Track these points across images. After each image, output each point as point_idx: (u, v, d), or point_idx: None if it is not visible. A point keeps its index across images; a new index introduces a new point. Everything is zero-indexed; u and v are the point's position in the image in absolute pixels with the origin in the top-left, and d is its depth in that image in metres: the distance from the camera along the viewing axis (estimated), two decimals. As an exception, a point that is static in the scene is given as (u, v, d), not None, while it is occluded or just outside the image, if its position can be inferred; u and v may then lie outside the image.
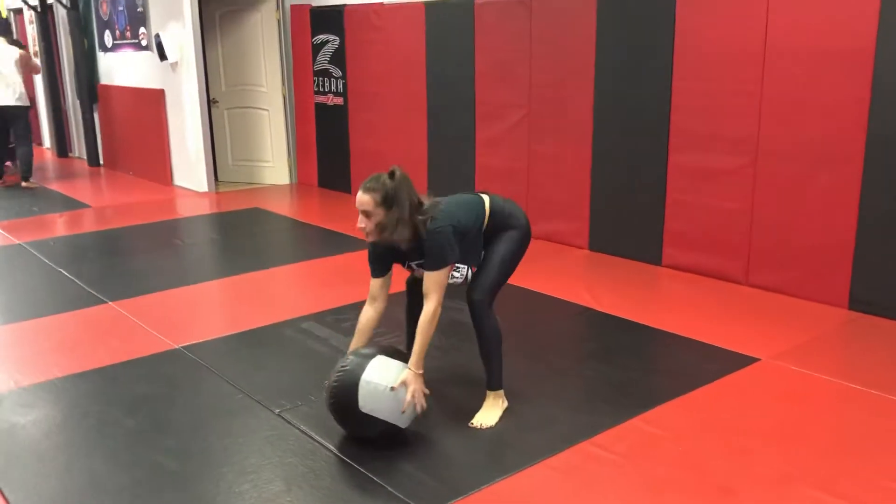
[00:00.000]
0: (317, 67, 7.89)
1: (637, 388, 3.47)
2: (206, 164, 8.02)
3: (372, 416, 2.88)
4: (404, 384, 2.89)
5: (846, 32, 4.14)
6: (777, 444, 2.94)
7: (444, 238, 2.92)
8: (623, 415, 3.18)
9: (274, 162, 8.57)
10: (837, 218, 4.32)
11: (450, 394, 3.41)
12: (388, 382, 2.87)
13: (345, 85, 7.62)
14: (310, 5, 7.83)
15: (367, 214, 2.90)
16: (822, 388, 3.42)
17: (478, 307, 3.10)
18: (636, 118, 5.22)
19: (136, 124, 8.99)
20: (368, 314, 3.17)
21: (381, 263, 3.12)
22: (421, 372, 2.93)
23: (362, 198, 2.88)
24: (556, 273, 5.15)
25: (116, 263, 5.62)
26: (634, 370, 3.68)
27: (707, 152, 4.86)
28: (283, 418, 3.22)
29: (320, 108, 7.98)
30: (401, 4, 6.83)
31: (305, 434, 3.08)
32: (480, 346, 3.16)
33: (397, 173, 2.90)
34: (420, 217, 2.92)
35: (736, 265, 4.83)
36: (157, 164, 8.63)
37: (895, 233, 4.13)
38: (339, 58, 7.61)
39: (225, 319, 4.46)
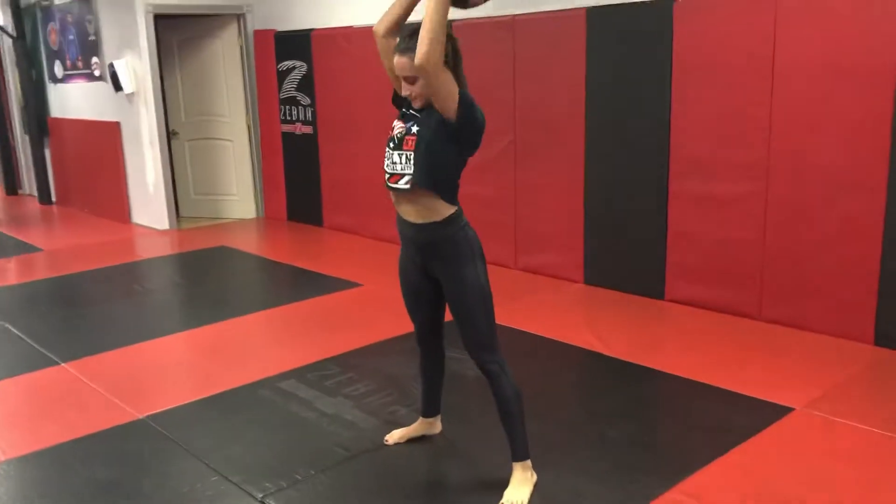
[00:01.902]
0: (283, 95, 7.47)
1: (668, 451, 3.09)
2: (167, 200, 7.52)
3: None
4: None
5: (863, 47, 3.85)
6: (840, 517, 2.58)
7: (471, 98, 2.56)
8: (658, 485, 2.79)
9: (239, 195, 8.10)
10: (860, 247, 4.01)
11: (471, 462, 3.01)
12: None
13: (314, 113, 7.20)
14: (274, 30, 7.42)
15: (409, 79, 2.56)
16: (870, 443, 3.07)
17: (487, 366, 2.70)
18: (633, 143, 4.88)
19: (90, 159, 8.46)
20: None
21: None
22: None
23: (401, 60, 2.56)
24: (554, 311, 4.77)
25: (71, 316, 5.11)
26: (661, 428, 3.31)
27: (712, 178, 4.54)
28: (267, 505, 2.78)
29: (288, 137, 7.55)
30: (371, 27, 6.44)
31: (295, 526, 2.64)
32: (501, 410, 2.75)
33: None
34: (463, 80, 2.56)
35: (748, 298, 4.50)
36: (113, 200, 8.11)
37: (924, 262, 3.83)
38: (306, 84, 7.20)
39: (193, 381, 3.99)
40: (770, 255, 4.37)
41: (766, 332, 4.30)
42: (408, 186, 2.62)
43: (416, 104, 2.63)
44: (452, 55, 2.55)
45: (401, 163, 2.64)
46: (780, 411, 3.33)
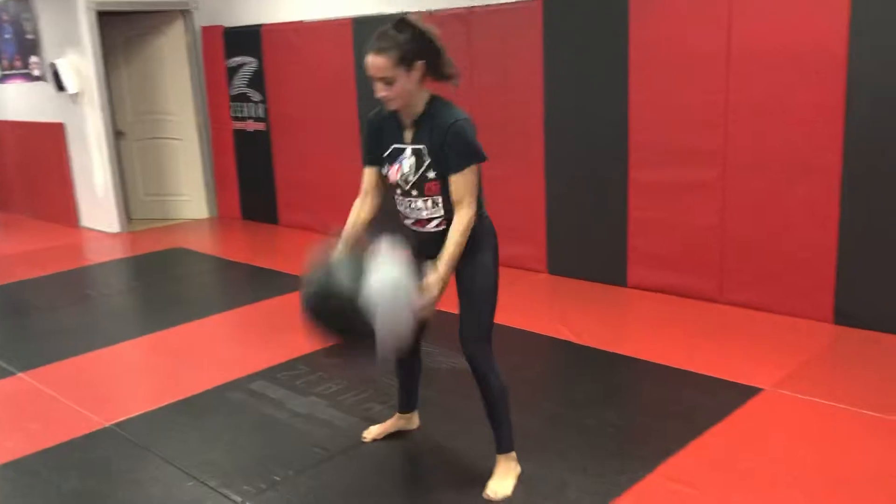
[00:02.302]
0: (233, 92, 7.33)
1: (645, 436, 3.12)
2: (116, 202, 7.31)
3: (362, 320, 2.28)
4: (426, 287, 2.46)
5: (816, 34, 3.94)
6: (817, 494, 2.64)
7: (469, 127, 2.49)
8: (638, 470, 2.82)
9: (190, 195, 7.93)
10: (817, 229, 4.11)
11: (451, 456, 3.00)
12: (406, 277, 2.37)
13: (266, 109, 7.09)
14: (223, 26, 7.28)
15: (386, 80, 2.44)
16: (839, 419, 3.15)
17: (478, 358, 2.68)
18: (591, 133, 4.92)
19: (33, 161, 8.18)
20: (360, 211, 2.73)
21: (377, 145, 2.66)
22: (444, 280, 2.50)
23: (377, 60, 2.43)
24: (521, 302, 4.78)
25: (23, 324, 4.94)
26: (635, 413, 3.35)
27: (671, 166, 4.60)
28: (247, 509, 2.72)
29: (239, 134, 7.42)
30: (324, 22, 6.38)
31: (279, 528, 2.60)
32: (487, 402, 2.74)
33: (408, 20, 2.45)
34: (451, 70, 2.51)
35: (709, 283, 4.58)
36: (60, 204, 7.86)
37: (879, 243, 3.94)
38: (257, 81, 7.07)
39: (159, 385, 3.89)
40: (730, 239, 4.45)
41: (729, 315, 4.39)
42: (441, 226, 2.60)
43: (394, 105, 2.52)
44: (435, 55, 2.50)
45: (427, 208, 2.60)
46: (750, 392, 3.40)
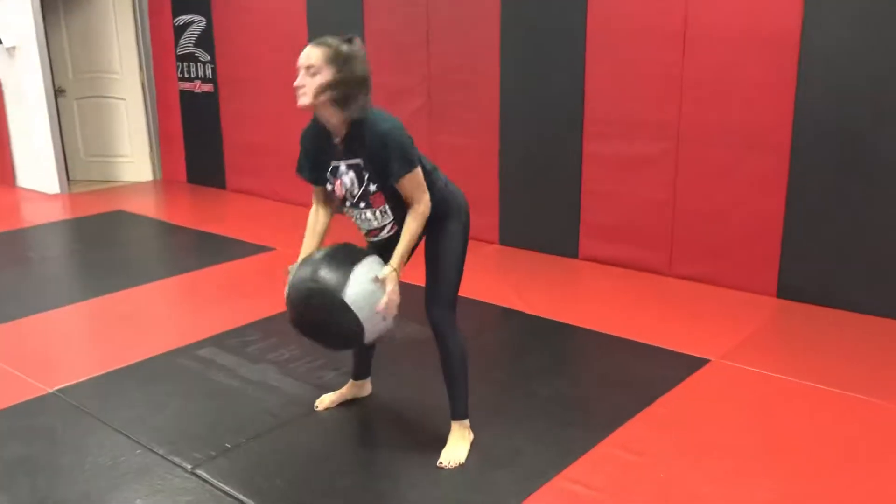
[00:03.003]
0: (180, 51, 7.12)
1: (596, 405, 3.17)
2: (56, 162, 7.07)
3: (348, 311, 2.43)
4: (383, 282, 2.51)
5: (770, 13, 3.99)
6: (760, 459, 2.71)
7: (402, 133, 2.51)
8: (590, 439, 2.86)
9: (133, 157, 7.71)
10: (765, 205, 4.20)
11: (404, 423, 3.00)
12: (372, 273, 2.52)
13: (214, 70, 6.90)
14: (169, -18, 7.04)
15: (311, 71, 2.42)
16: (782, 390, 3.25)
17: (442, 324, 2.69)
18: (547, 104, 4.92)
19: (-35, 118, 7.84)
20: (320, 216, 2.75)
21: (315, 165, 2.66)
22: (398, 273, 2.55)
23: (312, 51, 2.43)
24: (473, 272, 4.70)
25: (-43, 286, 4.76)
26: (587, 383, 3.39)
27: (625, 139, 4.64)
28: (197, 476, 2.68)
29: (186, 95, 7.22)
30: (277, -18, 6.22)
31: (230, 495, 2.56)
32: (446, 368, 2.74)
33: (357, 40, 2.48)
34: (365, 100, 2.48)
35: (658, 256, 4.65)
36: (-6, 163, 7.57)
37: (824, 220, 4.05)
38: (206, 40, 6.88)
39: (104, 351, 3.79)
40: (680, 213, 4.52)
41: (678, 287, 4.47)
42: (395, 231, 2.63)
43: (303, 100, 2.43)
44: (360, 84, 2.46)
45: (377, 218, 2.62)
46: (698, 363, 3.48)
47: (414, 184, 2.52)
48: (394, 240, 2.62)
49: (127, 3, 7.26)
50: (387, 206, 2.59)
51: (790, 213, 4.13)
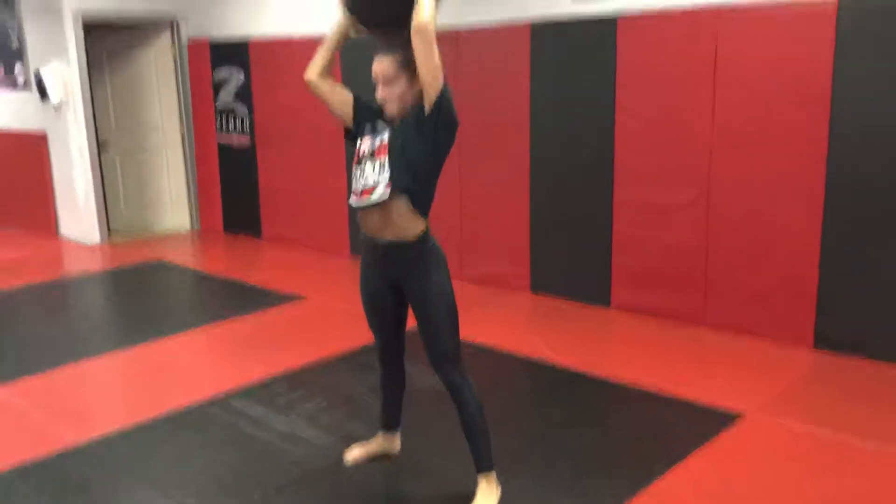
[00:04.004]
0: (219, 105, 7.31)
1: (626, 459, 3.12)
2: (98, 213, 7.25)
3: None
4: None
5: (801, 61, 3.98)
6: (798, 519, 2.64)
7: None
8: (621, 493, 2.81)
9: (173, 207, 7.88)
10: (799, 253, 4.14)
11: (432, 477, 2.98)
12: None
13: (252, 123, 7.07)
14: (209, 39, 7.26)
15: (388, 82, 2.51)
16: (819, 445, 3.16)
17: (452, 378, 2.68)
18: (577, 152, 4.94)
19: (14, 170, 8.09)
20: None
21: (353, 102, 2.73)
22: None
23: (383, 61, 2.52)
24: (503, 321, 4.78)
25: (-1, 335, 4.87)
26: (617, 436, 3.34)
27: (656, 187, 4.62)
28: (225, 529, 2.68)
29: (224, 147, 7.39)
30: (313, 38, 6.38)
31: (256, 550, 2.56)
32: (465, 421, 2.72)
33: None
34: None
35: (692, 304, 4.59)
36: (39, 213, 7.78)
37: (860, 268, 3.97)
38: (244, 94, 7.06)
39: (137, 401, 3.83)
40: (713, 261, 4.48)
41: (711, 337, 4.40)
42: (385, 193, 2.54)
43: (391, 109, 2.56)
44: None
45: (373, 173, 2.57)
46: (732, 417, 3.40)
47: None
48: (384, 216, 2.56)
49: (168, 58, 7.50)
50: (387, 159, 2.55)
51: (825, 261, 4.07)
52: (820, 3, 3.90)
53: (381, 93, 2.57)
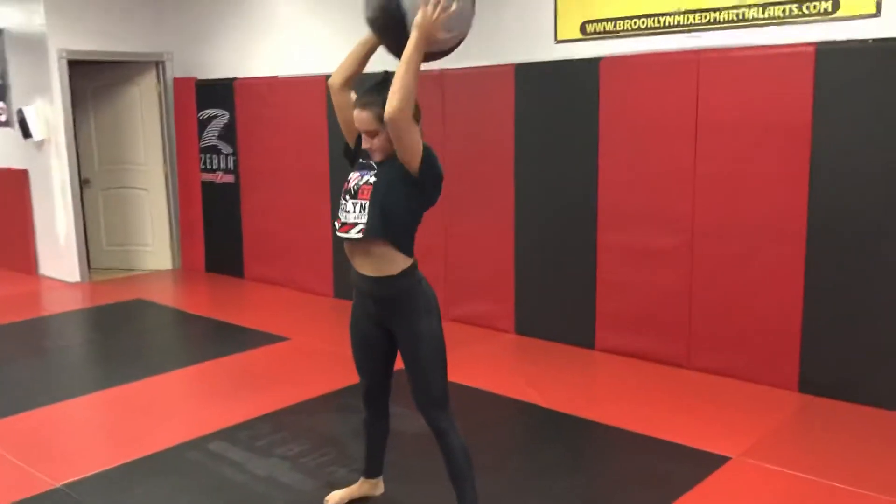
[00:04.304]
0: (203, 144, 7.30)
1: (614, 504, 3.07)
2: (78, 251, 7.17)
3: None
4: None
5: (781, 106, 4.04)
6: (787, 567, 2.60)
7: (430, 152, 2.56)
8: (608, 541, 2.76)
9: (154, 246, 7.82)
10: (783, 297, 4.15)
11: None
12: None
13: (236, 162, 7.06)
14: (195, 78, 7.28)
15: (370, 134, 2.53)
16: (805, 490, 3.13)
17: (439, 423, 2.65)
18: (561, 195, 4.96)
19: (-7, 207, 8.03)
20: None
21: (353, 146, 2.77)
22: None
23: (360, 116, 2.55)
24: (488, 362, 4.74)
25: (-27, 375, 4.77)
26: (605, 481, 3.30)
27: (639, 230, 4.64)
28: (201, 578, 2.60)
29: (208, 186, 7.37)
30: (298, 78, 6.42)
31: None
32: (451, 466, 2.69)
33: (392, 77, 2.49)
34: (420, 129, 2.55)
35: (676, 348, 4.58)
36: (19, 251, 7.69)
37: (843, 312, 3.99)
38: (228, 133, 7.06)
39: (114, 444, 3.75)
40: (697, 305, 4.48)
41: (696, 381, 4.38)
42: (359, 236, 2.58)
43: (377, 157, 2.61)
44: (415, 108, 2.54)
45: (354, 212, 2.60)
46: (718, 461, 3.37)
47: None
48: (363, 248, 2.59)
49: (153, 96, 7.50)
50: (367, 203, 2.55)
51: (808, 304, 4.08)
52: (799, 46, 3.97)
53: (365, 143, 2.61)
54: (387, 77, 2.53)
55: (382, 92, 2.50)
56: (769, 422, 3.79)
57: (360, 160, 2.71)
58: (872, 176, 3.83)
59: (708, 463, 3.35)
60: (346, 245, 2.67)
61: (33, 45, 6.99)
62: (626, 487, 3.20)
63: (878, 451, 3.47)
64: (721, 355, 4.41)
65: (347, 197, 2.64)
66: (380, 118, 2.51)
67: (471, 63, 5.27)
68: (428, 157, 2.53)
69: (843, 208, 3.92)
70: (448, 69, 5.36)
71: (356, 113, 2.57)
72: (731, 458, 3.39)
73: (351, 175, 2.69)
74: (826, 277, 4.01)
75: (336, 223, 2.68)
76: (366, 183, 2.60)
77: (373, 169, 2.63)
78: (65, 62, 6.89)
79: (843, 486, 3.13)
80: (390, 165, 2.58)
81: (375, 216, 2.55)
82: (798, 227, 4.06)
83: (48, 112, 7.04)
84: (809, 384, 4.12)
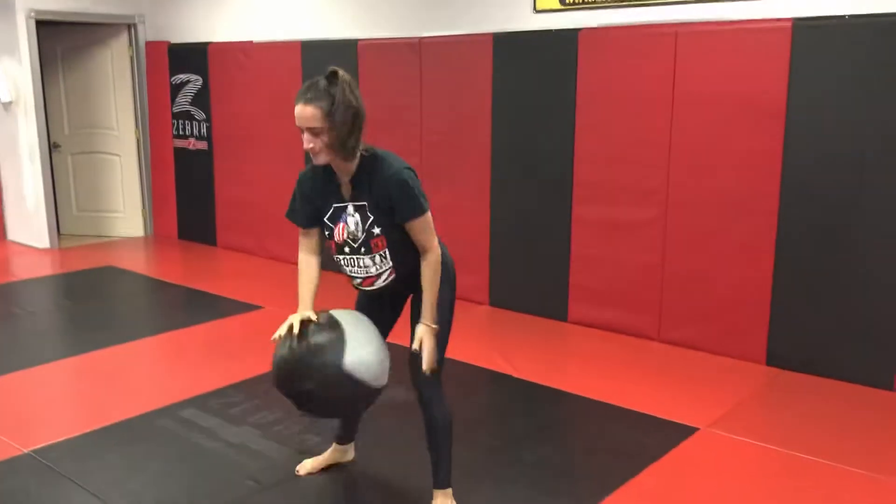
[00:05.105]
0: (176, 109, 7.19)
1: (582, 473, 3.12)
2: (48, 216, 7.06)
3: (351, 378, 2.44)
4: (420, 344, 2.54)
5: (757, 80, 4.06)
6: (750, 534, 2.66)
7: (412, 175, 2.47)
8: (576, 509, 2.80)
9: (126, 212, 7.71)
10: (753, 271, 4.20)
11: (387, 491, 2.92)
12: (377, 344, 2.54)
13: (209, 128, 6.96)
14: (168, 42, 7.15)
15: (313, 132, 2.38)
16: (771, 461, 3.20)
17: (428, 392, 2.66)
18: (537, 168, 4.96)
19: (-41, 171, 7.85)
20: (312, 265, 2.65)
21: (314, 205, 2.60)
22: (435, 327, 2.54)
23: (304, 111, 2.36)
24: (461, 333, 4.67)
25: (-61, 341, 4.70)
26: (573, 450, 3.34)
27: (614, 204, 4.66)
28: (172, 544, 2.61)
29: (180, 152, 7.27)
30: (273, 43, 6.32)
31: (205, 565, 2.49)
32: (431, 437, 2.70)
33: (340, 73, 2.39)
34: (360, 135, 2.45)
35: (647, 321, 4.63)
36: (-15, 216, 7.56)
37: (812, 286, 4.05)
38: (202, 99, 6.96)
39: (84, 410, 3.73)
40: (669, 278, 4.52)
41: (666, 353, 4.44)
42: (392, 277, 2.58)
43: (320, 159, 2.44)
44: (361, 114, 2.45)
45: (375, 264, 2.56)
46: (686, 431, 3.43)
47: (424, 226, 2.49)
48: (389, 288, 2.59)
49: (125, 61, 7.36)
50: (387, 251, 2.53)
51: (778, 279, 4.13)
52: (777, 21, 3.98)
53: (306, 144, 2.41)
54: (334, 73, 2.40)
55: (329, 87, 2.37)
56: (737, 394, 3.85)
57: (327, 216, 2.59)
58: (845, 152, 3.87)
59: (677, 433, 3.41)
60: (367, 294, 2.68)
61: (0, 3, 6.81)
62: (595, 456, 3.24)
63: (841, 423, 3.54)
64: (691, 328, 4.46)
65: (347, 250, 2.56)
66: (327, 114, 2.35)
67: (449, 31, 5.23)
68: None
69: (816, 184, 3.96)
70: (426, 38, 5.31)
71: (299, 109, 2.37)
72: (699, 429, 3.45)
73: (334, 229, 2.57)
74: (796, 253, 4.07)
75: (354, 280, 2.64)
76: (371, 236, 2.51)
77: (344, 204, 2.53)
78: (33, 22, 6.72)
79: (807, 457, 3.20)
80: (369, 198, 2.48)
81: (397, 256, 2.54)
82: (770, 202, 4.10)
83: (16, 73, 6.88)
84: (777, 358, 4.18)
